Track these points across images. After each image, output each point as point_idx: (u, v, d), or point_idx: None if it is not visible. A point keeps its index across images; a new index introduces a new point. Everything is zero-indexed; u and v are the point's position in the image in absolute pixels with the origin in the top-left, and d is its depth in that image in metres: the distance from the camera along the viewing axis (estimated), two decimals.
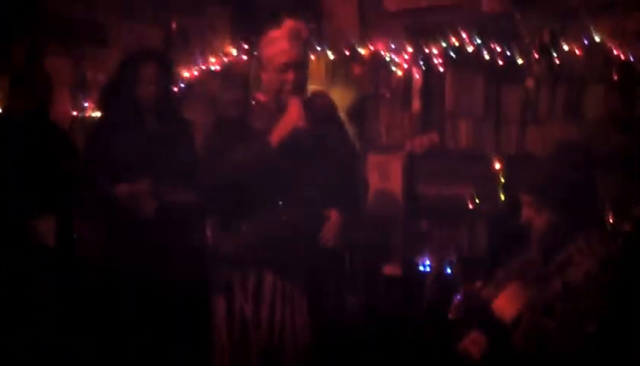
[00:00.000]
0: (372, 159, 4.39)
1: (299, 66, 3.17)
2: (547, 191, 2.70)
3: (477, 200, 4.18)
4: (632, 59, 3.94)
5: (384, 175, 4.36)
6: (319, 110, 3.29)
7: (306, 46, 3.24)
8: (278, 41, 3.16)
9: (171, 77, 3.95)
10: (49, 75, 4.06)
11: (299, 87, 3.19)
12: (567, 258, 2.67)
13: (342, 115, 3.60)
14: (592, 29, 4.04)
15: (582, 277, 2.58)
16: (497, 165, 4.15)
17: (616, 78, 3.91)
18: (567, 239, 2.69)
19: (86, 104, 4.78)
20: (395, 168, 4.37)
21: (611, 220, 3.33)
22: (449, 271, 4.12)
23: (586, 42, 4.01)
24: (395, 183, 4.37)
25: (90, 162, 3.72)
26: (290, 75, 3.14)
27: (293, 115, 3.10)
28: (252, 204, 3.16)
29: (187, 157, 3.66)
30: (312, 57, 4.12)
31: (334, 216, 3.19)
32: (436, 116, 4.36)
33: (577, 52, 4.04)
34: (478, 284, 2.89)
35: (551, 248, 2.73)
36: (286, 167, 3.12)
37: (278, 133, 3.11)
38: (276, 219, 3.14)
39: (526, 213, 2.76)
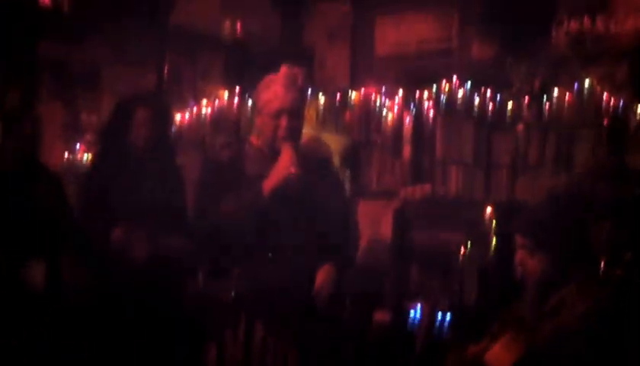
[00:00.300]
0: (363, 206, 4.38)
1: (294, 112, 3.14)
2: (540, 235, 2.70)
3: (468, 247, 4.18)
4: (620, 107, 3.98)
5: (375, 222, 4.35)
6: (313, 157, 3.27)
7: (302, 93, 3.23)
8: (273, 86, 3.15)
9: (167, 122, 3.95)
10: (40, 120, 4.06)
11: (293, 133, 3.16)
12: (559, 301, 2.67)
13: (334, 162, 3.61)
14: (582, 77, 4.09)
15: (574, 320, 2.58)
16: (489, 211, 4.15)
17: (605, 125, 3.95)
18: (560, 283, 2.69)
19: (78, 148, 4.78)
20: (386, 215, 4.36)
21: (603, 266, 3.33)
22: (439, 317, 4.09)
23: (576, 89, 4.05)
24: (386, 230, 4.36)
25: (83, 206, 3.70)
26: (284, 121, 3.12)
27: (285, 163, 3.08)
28: (243, 252, 3.15)
29: (180, 202, 3.65)
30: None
31: (327, 270, 3.14)
32: (427, 163, 4.36)
33: (567, 99, 4.08)
34: (471, 348, 2.87)
35: (544, 291, 2.73)
36: (279, 215, 3.10)
37: (270, 182, 3.09)
38: (267, 268, 3.12)
39: (520, 255, 2.76)
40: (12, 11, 4.49)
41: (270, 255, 3.11)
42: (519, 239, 2.77)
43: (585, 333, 2.56)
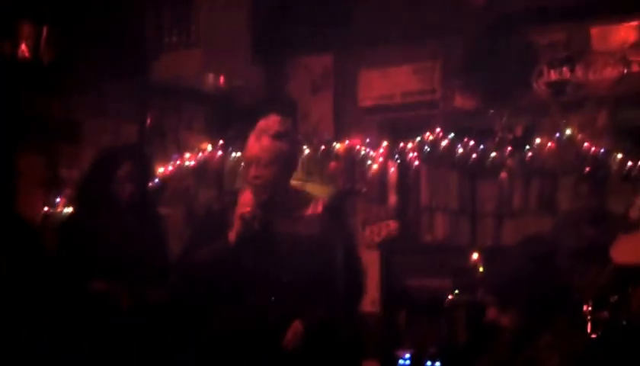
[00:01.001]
0: None
1: (262, 161, 3.08)
2: (512, 291, 2.66)
3: (455, 293, 4.15)
4: (601, 152, 4.01)
5: None
6: (292, 206, 3.18)
7: (275, 141, 3.12)
8: (250, 137, 3.14)
9: (148, 174, 3.93)
10: (19, 173, 4.04)
11: (262, 181, 3.09)
12: (534, 353, 2.62)
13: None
14: (563, 124, 4.12)
15: None
16: (474, 258, 4.13)
17: (587, 171, 3.97)
18: (534, 337, 2.64)
19: (58, 201, 4.72)
20: (373, 262, 4.33)
21: (589, 309, 3.30)
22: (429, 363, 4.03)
23: (557, 136, 4.08)
24: (373, 278, 4.32)
25: (63, 258, 3.65)
26: (252, 171, 3.08)
27: (241, 206, 3.05)
28: (219, 301, 3.07)
29: (162, 253, 3.62)
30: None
31: (295, 328, 3.03)
32: (413, 210, 4.36)
33: (549, 146, 4.11)
34: None
35: (519, 344, 2.67)
36: (248, 261, 3.01)
37: (234, 230, 3.05)
38: (238, 318, 3.03)
39: (491, 313, 2.71)
40: None
41: (242, 301, 3.02)
42: (488, 298, 2.73)
43: None
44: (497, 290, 2.69)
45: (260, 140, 3.07)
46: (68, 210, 4.53)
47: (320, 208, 3.13)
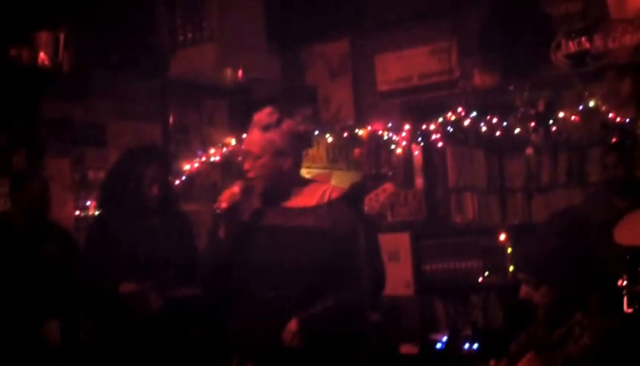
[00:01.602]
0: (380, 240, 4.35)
1: (254, 155, 3.06)
2: (543, 268, 2.66)
3: (487, 274, 4.14)
4: (627, 121, 3.98)
5: (393, 255, 4.31)
6: (296, 197, 3.13)
7: (267, 135, 3.08)
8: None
9: (171, 173, 3.94)
10: (48, 178, 4.08)
11: (256, 176, 3.07)
12: (567, 331, 2.62)
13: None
14: (586, 96, 4.09)
15: (580, 350, 2.53)
16: (503, 237, 4.11)
17: (613, 141, 3.94)
18: (568, 312, 2.64)
19: (88, 203, 4.78)
20: (404, 246, 4.33)
21: (624, 283, 3.28)
22: (466, 345, 4.04)
23: (581, 108, 4.05)
24: (405, 262, 4.32)
25: (92, 260, 3.68)
26: (245, 164, 3.08)
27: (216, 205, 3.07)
28: (229, 296, 3.08)
29: (189, 251, 3.64)
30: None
31: (292, 324, 3.01)
32: (441, 191, 4.34)
33: (574, 119, 4.08)
34: (492, 363, 2.81)
35: (553, 321, 2.68)
36: (245, 258, 3.01)
37: (221, 226, 3.08)
38: (243, 312, 3.05)
39: (524, 290, 2.71)
40: (13, 72, 4.53)
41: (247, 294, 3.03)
42: (521, 276, 2.73)
43: (591, 363, 2.51)
44: (528, 267, 2.69)
45: (252, 134, 3.07)
46: (97, 212, 4.58)
47: (326, 198, 3.10)
